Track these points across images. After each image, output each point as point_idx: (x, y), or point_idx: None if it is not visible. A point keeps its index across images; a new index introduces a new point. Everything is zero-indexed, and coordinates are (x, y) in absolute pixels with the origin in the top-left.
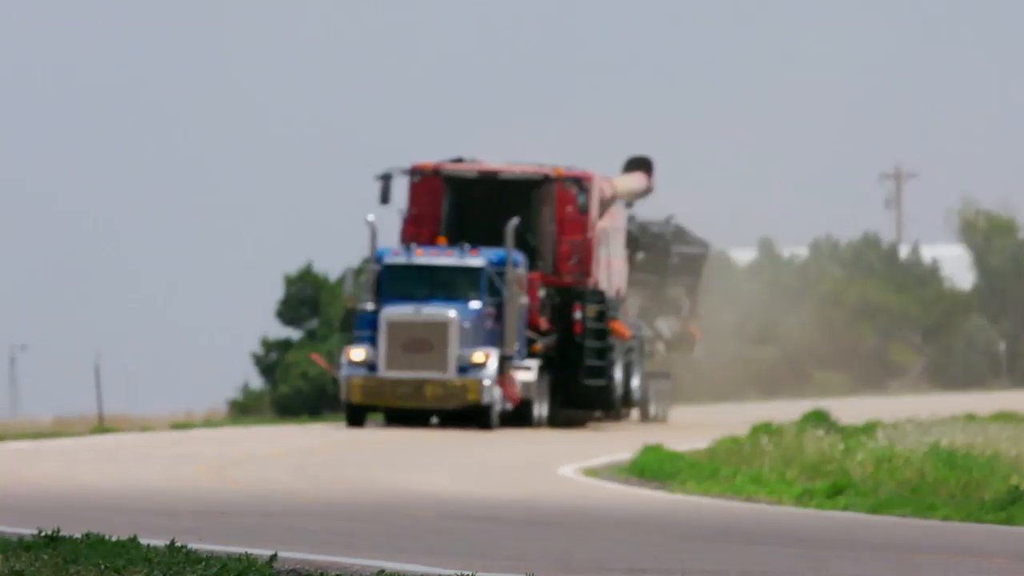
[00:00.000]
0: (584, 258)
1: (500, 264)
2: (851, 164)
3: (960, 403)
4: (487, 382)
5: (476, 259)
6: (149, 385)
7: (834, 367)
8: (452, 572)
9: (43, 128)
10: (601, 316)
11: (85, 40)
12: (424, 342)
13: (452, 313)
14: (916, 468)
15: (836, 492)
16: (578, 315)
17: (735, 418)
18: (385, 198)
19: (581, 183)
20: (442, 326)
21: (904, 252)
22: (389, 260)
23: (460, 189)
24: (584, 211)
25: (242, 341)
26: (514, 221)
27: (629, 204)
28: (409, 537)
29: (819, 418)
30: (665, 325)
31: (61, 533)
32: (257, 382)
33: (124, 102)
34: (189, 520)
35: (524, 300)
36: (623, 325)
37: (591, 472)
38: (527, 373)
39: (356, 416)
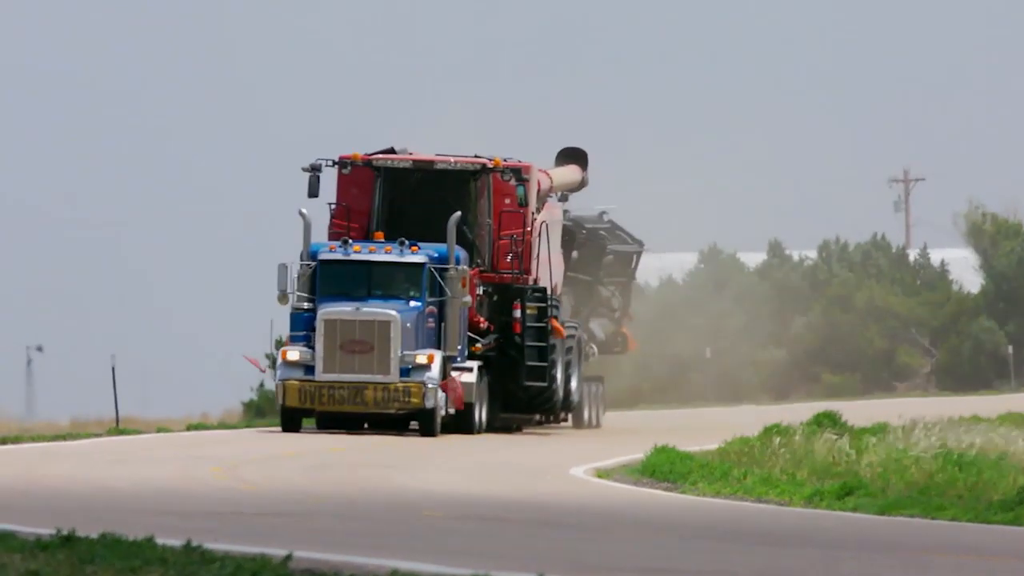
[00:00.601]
0: (523, 253)
1: (442, 260)
2: (860, 168)
3: (968, 405)
4: (431, 385)
5: (417, 255)
6: (165, 386)
7: (843, 369)
8: (466, 572)
9: (60, 133)
10: (542, 315)
11: (99, 49)
12: (364, 343)
13: (394, 312)
14: (925, 469)
15: (846, 493)
16: (518, 314)
17: (682, 423)
18: (314, 191)
19: (520, 174)
20: (384, 326)
21: (912, 255)
22: (324, 256)
23: (393, 181)
24: (523, 204)
25: (257, 343)
26: (456, 215)
27: (563, 198)
28: (422, 537)
29: (828, 420)
30: (598, 326)
31: (77, 533)
32: (272, 384)
33: (140, 107)
34: (204, 520)
35: (467, 299)
36: (562, 324)
37: (603, 473)
38: (468, 375)
39: (291, 421)
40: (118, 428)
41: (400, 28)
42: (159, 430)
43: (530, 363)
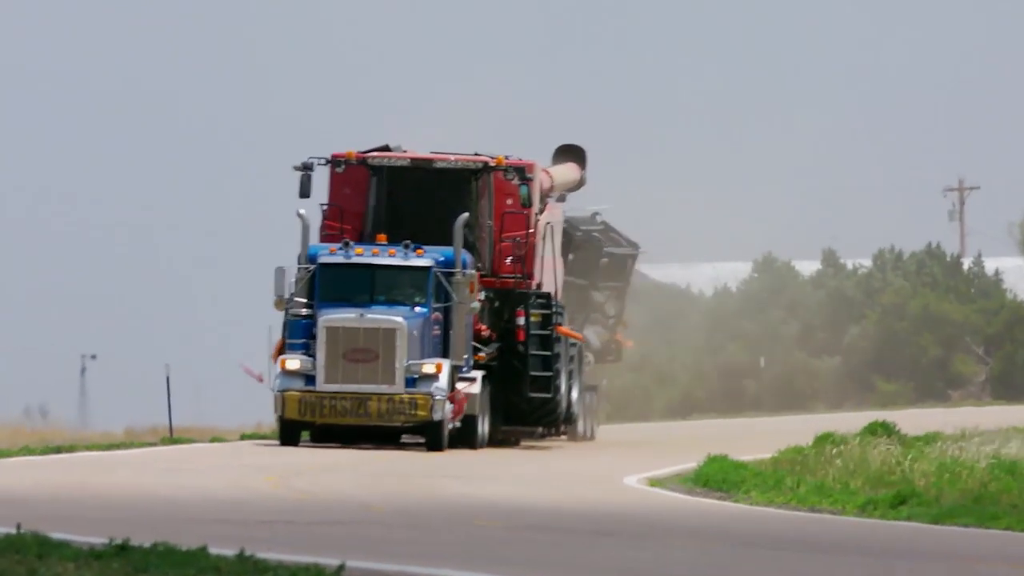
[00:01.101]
0: (527, 257)
1: (447, 264)
2: (915, 177)
3: (1020, 415)
4: (439, 396)
5: (423, 259)
6: (219, 395)
7: (897, 378)
8: None
9: (115, 142)
10: (546, 322)
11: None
12: (368, 351)
13: (399, 319)
14: (979, 478)
15: (899, 502)
16: (521, 321)
17: (680, 434)
18: (305, 191)
19: (523, 173)
20: (389, 333)
21: (966, 264)
22: (325, 259)
23: (389, 180)
24: (527, 204)
25: (255, 350)
26: (464, 216)
27: (561, 198)
28: (477, 546)
29: (882, 429)
30: (593, 334)
31: (131, 542)
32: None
33: (189, 115)
34: (258, 530)
35: (476, 304)
36: (571, 329)
37: (656, 482)
38: (472, 386)
39: (291, 433)
40: (172, 437)
41: (390, 25)
42: (213, 439)
43: (534, 373)
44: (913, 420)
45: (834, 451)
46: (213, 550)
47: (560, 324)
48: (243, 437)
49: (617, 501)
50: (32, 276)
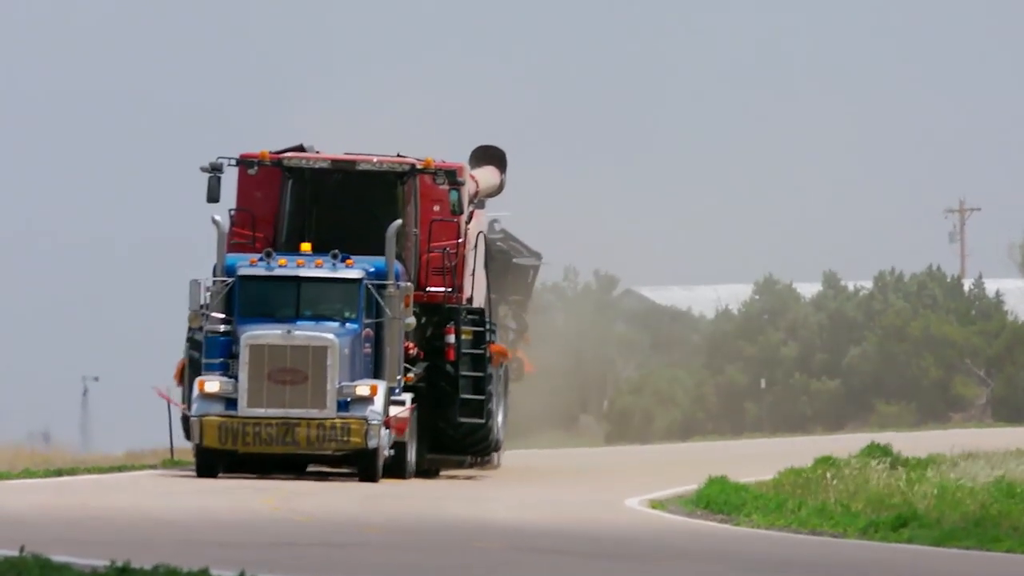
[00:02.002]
0: (457, 269)
1: (379, 275)
2: (915, 199)
3: (1021, 437)
4: (375, 421)
5: (353, 270)
6: None
7: (897, 399)
8: None
9: (112, 161)
10: (479, 340)
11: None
12: (296, 372)
13: (331, 336)
14: (980, 501)
15: (900, 524)
16: (451, 339)
17: (589, 461)
18: (214, 195)
19: (454, 177)
20: (319, 352)
21: (967, 285)
22: (245, 271)
23: (306, 183)
24: (457, 211)
25: (167, 370)
26: (398, 223)
27: (480, 205)
28: (479, 569)
29: (881, 451)
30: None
31: (132, 565)
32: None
33: (191, 132)
34: (259, 552)
35: (411, 320)
36: (504, 347)
37: (657, 504)
38: (402, 410)
39: (209, 464)
40: (172, 460)
41: (294, 21)
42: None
43: (464, 396)
44: (914, 442)
45: (834, 474)
46: (214, 572)
47: (493, 342)
48: (165, 463)
49: (619, 523)
50: (34, 297)
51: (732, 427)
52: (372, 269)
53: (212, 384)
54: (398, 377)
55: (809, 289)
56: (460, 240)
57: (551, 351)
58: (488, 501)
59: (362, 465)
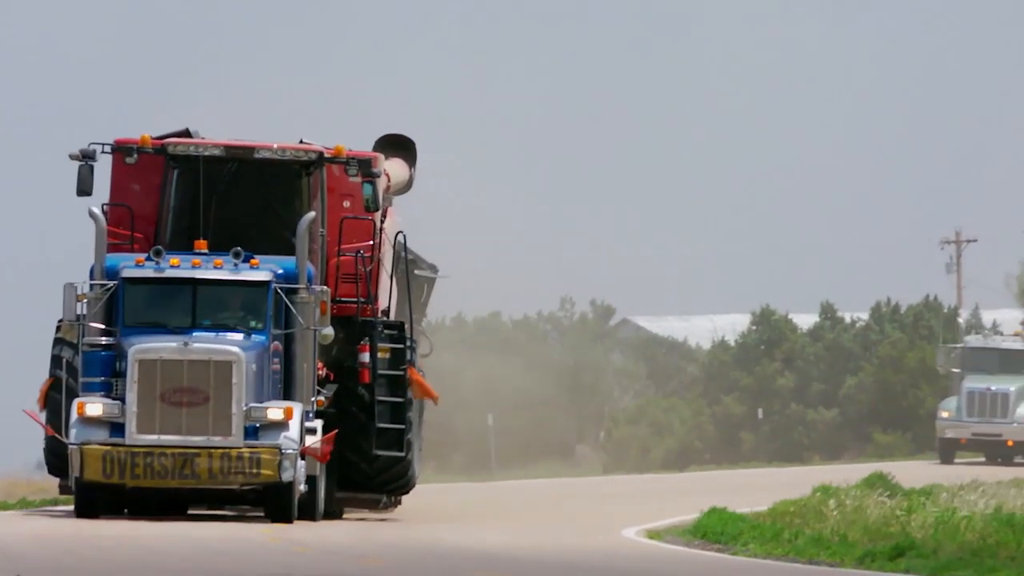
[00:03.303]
0: (373, 274)
1: (289, 278)
2: (912, 230)
3: (1018, 469)
4: (290, 451)
5: (259, 271)
6: None
7: (894, 429)
8: None
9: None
10: (398, 360)
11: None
12: (195, 392)
13: (235, 349)
14: (977, 531)
15: (897, 554)
16: (366, 358)
17: (585, 490)
18: (85, 187)
19: (369, 167)
20: (223, 367)
21: (964, 316)
22: (130, 272)
23: (195, 174)
24: (372, 207)
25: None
26: (310, 216)
27: (388, 202)
28: None
29: (880, 481)
30: None
31: None
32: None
33: (53, 118)
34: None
35: (329, 330)
36: (423, 379)
37: (654, 535)
38: (321, 438)
39: (90, 501)
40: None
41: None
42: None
43: (382, 425)
44: (910, 472)
45: (832, 503)
46: None
47: (412, 364)
48: (35, 503)
49: (616, 553)
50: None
51: (729, 457)
52: (281, 271)
53: (94, 407)
54: (313, 399)
55: (806, 320)
56: (376, 242)
57: (547, 381)
58: (485, 531)
59: (273, 502)
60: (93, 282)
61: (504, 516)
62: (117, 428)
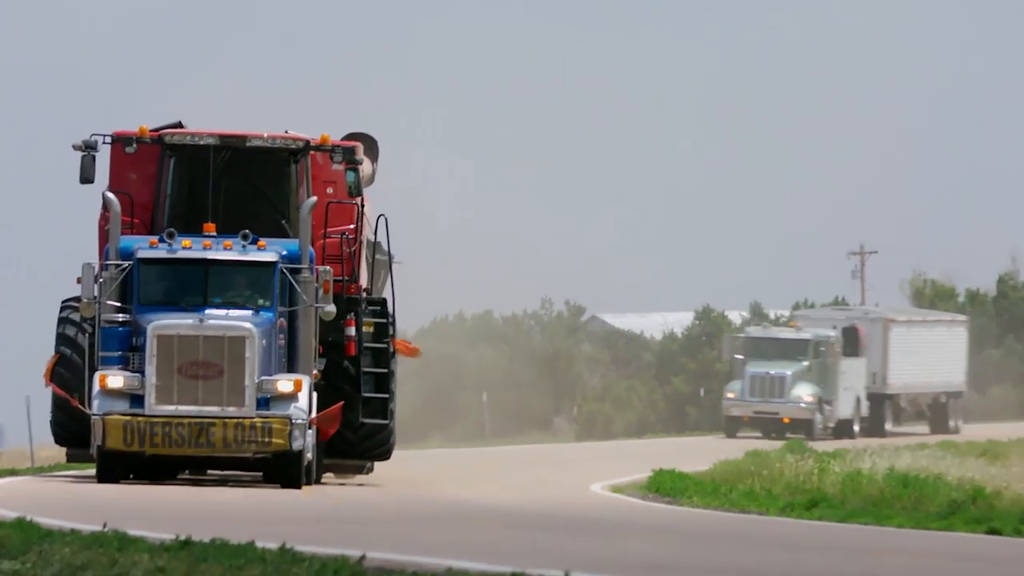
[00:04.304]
0: (356, 255)
1: (293, 259)
2: (825, 242)
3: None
4: (299, 420)
5: (266, 252)
6: None
7: None
8: (506, 569)
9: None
10: (381, 333)
11: None
12: (211, 366)
13: (249, 325)
14: (877, 486)
15: (812, 505)
16: (351, 332)
17: (561, 455)
18: (88, 175)
19: (352, 155)
20: (236, 343)
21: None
22: (145, 253)
23: (191, 162)
24: (355, 193)
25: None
26: (312, 200)
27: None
28: (476, 541)
29: (798, 447)
30: None
31: (193, 539)
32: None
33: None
34: (296, 528)
35: (332, 307)
36: (403, 341)
37: (617, 489)
38: (330, 409)
39: (112, 468)
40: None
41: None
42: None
43: (367, 395)
44: (825, 441)
45: (759, 464)
46: (259, 544)
47: (394, 336)
48: (43, 470)
49: (588, 504)
50: None
51: (677, 427)
52: (285, 252)
53: (115, 380)
54: (313, 371)
55: (738, 316)
56: (360, 224)
57: (530, 366)
58: (478, 486)
59: (283, 469)
60: (108, 262)
61: (491, 478)
62: (137, 399)
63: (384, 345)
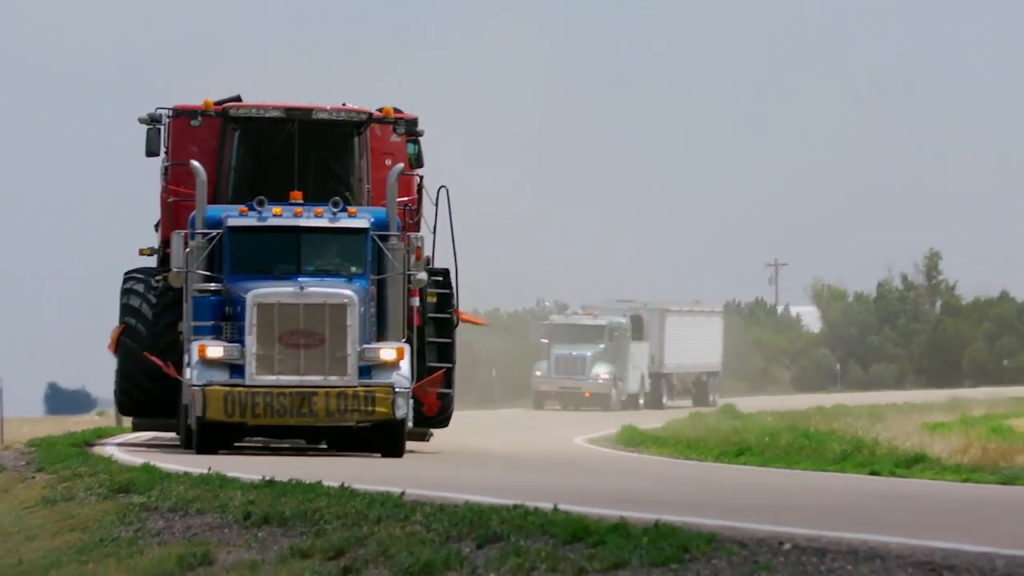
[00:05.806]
0: (417, 225)
1: (382, 226)
2: (748, 255)
3: (812, 400)
4: (402, 389)
5: (358, 219)
6: None
7: (738, 379)
8: (509, 503)
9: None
10: (444, 303)
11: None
12: (312, 334)
13: (349, 292)
14: (787, 438)
15: (740, 454)
16: (416, 302)
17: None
18: (154, 147)
19: (413, 127)
20: (338, 311)
21: (780, 310)
22: (235, 221)
23: (256, 134)
24: (416, 164)
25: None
26: (399, 167)
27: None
28: (494, 474)
29: (731, 410)
30: None
31: (275, 479)
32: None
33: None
34: (356, 469)
35: (423, 275)
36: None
37: (593, 441)
38: (432, 377)
39: (213, 439)
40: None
41: None
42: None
43: (431, 364)
44: (751, 404)
45: (699, 422)
46: (325, 483)
47: (457, 307)
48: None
49: (574, 452)
50: None
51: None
52: (373, 219)
53: (215, 350)
54: (403, 340)
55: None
56: (418, 196)
57: (528, 351)
58: (483, 439)
59: (386, 438)
60: (196, 231)
61: (499, 435)
62: (237, 369)
63: (447, 315)
